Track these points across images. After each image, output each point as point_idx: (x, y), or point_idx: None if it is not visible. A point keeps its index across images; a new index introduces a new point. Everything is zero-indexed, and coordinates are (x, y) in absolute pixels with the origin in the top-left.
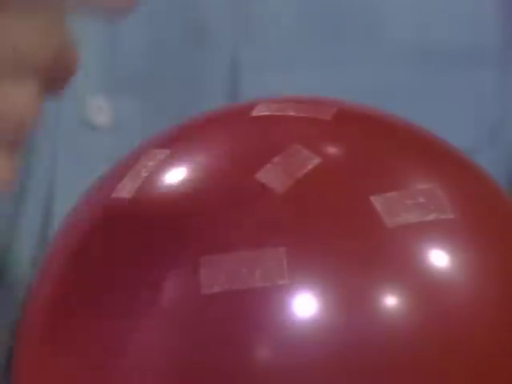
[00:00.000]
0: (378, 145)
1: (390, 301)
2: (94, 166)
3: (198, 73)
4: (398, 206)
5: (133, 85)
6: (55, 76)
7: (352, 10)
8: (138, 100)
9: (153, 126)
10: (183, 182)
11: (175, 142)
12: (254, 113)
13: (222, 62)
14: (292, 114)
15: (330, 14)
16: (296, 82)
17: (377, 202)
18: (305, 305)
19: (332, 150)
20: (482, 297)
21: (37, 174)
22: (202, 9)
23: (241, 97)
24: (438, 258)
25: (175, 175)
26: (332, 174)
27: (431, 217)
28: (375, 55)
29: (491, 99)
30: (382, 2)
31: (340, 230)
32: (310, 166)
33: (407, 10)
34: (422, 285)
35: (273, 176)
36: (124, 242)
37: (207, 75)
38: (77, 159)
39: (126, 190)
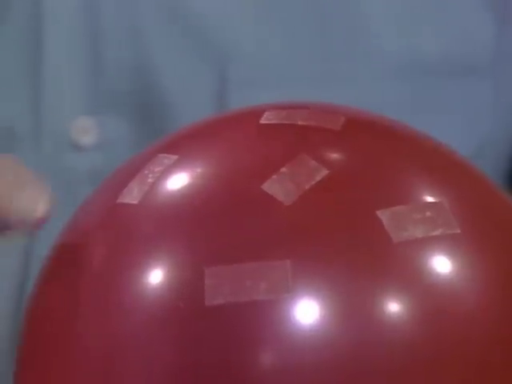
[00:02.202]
0: (387, 157)
1: (396, 314)
2: (79, 186)
3: (186, 90)
4: (405, 220)
5: (118, 104)
6: None
7: (339, 26)
8: (123, 119)
9: (139, 145)
10: (188, 191)
11: (181, 148)
12: (263, 120)
13: (210, 79)
14: (300, 122)
15: (317, 31)
16: (284, 99)
17: (383, 216)
18: (309, 318)
19: (340, 161)
20: (489, 310)
21: None
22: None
23: None
24: (444, 273)
25: (181, 183)
26: (339, 186)
27: (438, 232)
28: (364, 70)
29: (482, 112)
30: (370, 16)
31: (346, 243)
32: (317, 178)
33: (396, 24)
34: (427, 299)
35: (279, 187)
36: (128, 249)
37: (195, 93)
38: (61, 180)
39: (131, 195)
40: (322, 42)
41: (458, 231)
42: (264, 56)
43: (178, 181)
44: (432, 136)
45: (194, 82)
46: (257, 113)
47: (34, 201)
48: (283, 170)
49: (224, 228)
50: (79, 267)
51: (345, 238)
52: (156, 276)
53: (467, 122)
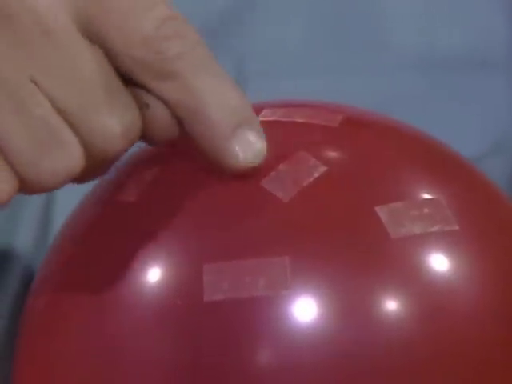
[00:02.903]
0: (385, 153)
1: (394, 310)
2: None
3: None
4: (403, 216)
5: None
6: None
7: (357, 17)
8: None
9: None
10: (187, 188)
11: (179, 145)
12: (261, 117)
13: (227, 69)
14: (298, 119)
15: (334, 22)
16: (301, 89)
17: (382, 212)
18: (307, 313)
19: (338, 158)
20: (487, 306)
21: (33, 202)
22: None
23: None
24: (442, 269)
25: (179, 180)
26: (338, 183)
27: (436, 228)
28: (380, 62)
29: (498, 107)
30: (387, 9)
31: (344, 239)
32: (315, 175)
33: (413, 17)
34: (425, 295)
35: (278, 184)
36: (126, 247)
37: None
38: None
39: (129, 193)
40: (340, 32)
41: (456, 228)
42: (281, 46)
43: (175, 178)
44: (441, 136)
45: None
46: (255, 110)
47: (254, 145)
48: (281, 167)
49: (223, 224)
50: (77, 265)
51: (343, 235)
52: (154, 273)
53: (483, 117)
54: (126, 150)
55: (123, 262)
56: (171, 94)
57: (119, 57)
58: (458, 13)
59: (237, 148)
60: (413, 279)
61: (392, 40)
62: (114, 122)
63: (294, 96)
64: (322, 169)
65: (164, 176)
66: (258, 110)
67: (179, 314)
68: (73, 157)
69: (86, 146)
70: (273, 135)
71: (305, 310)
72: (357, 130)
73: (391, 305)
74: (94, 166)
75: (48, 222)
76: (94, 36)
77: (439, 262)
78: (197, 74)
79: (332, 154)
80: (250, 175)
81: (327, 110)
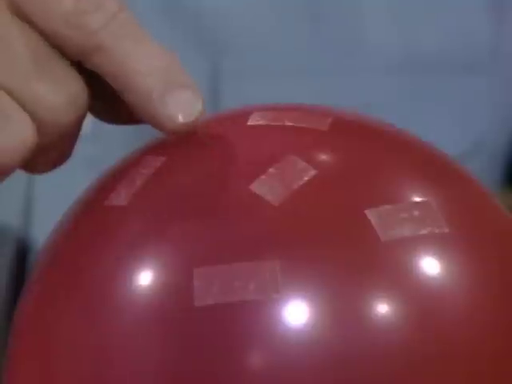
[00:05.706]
0: (375, 156)
1: (385, 314)
2: (75, 175)
3: None
4: (393, 219)
5: None
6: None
7: (336, 19)
8: None
9: (135, 134)
10: (177, 192)
11: (170, 150)
12: (250, 122)
13: (203, 71)
14: (288, 123)
15: (313, 24)
16: (278, 92)
17: (371, 215)
18: (298, 318)
19: (328, 161)
20: (477, 310)
21: (15, 183)
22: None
23: (222, 107)
24: (432, 272)
25: (169, 184)
26: (328, 187)
27: (426, 230)
28: (359, 65)
29: (478, 107)
30: (368, 11)
31: (335, 243)
32: (305, 178)
33: (394, 20)
34: (415, 298)
35: (268, 187)
36: (116, 251)
37: None
38: (57, 168)
39: (119, 197)
40: (318, 35)
41: (447, 230)
42: (259, 49)
43: (165, 182)
44: (422, 136)
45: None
46: (244, 114)
47: (188, 103)
48: (271, 170)
49: (212, 228)
50: (68, 270)
51: (334, 238)
52: (145, 278)
53: (463, 119)
54: (76, 121)
55: (114, 266)
56: (101, 67)
57: (48, 35)
58: (440, 17)
59: (172, 110)
60: (404, 282)
61: (372, 43)
62: (55, 90)
63: (270, 97)
64: (312, 172)
65: (153, 180)
66: (247, 113)
67: (170, 318)
68: (23, 130)
69: (35, 119)
70: (262, 139)
71: (296, 313)
72: (347, 133)
73: (383, 308)
74: (50, 143)
75: (28, 226)
76: (24, 16)
77: (430, 265)
78: (120, 42)
79: (322, 158)
80: (238, 178)
81: (317, 113)
